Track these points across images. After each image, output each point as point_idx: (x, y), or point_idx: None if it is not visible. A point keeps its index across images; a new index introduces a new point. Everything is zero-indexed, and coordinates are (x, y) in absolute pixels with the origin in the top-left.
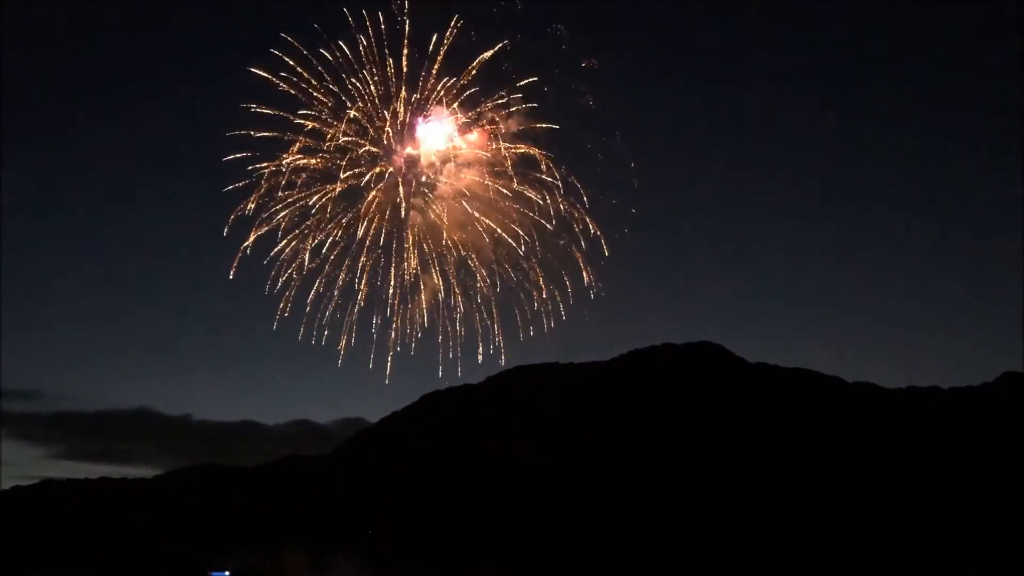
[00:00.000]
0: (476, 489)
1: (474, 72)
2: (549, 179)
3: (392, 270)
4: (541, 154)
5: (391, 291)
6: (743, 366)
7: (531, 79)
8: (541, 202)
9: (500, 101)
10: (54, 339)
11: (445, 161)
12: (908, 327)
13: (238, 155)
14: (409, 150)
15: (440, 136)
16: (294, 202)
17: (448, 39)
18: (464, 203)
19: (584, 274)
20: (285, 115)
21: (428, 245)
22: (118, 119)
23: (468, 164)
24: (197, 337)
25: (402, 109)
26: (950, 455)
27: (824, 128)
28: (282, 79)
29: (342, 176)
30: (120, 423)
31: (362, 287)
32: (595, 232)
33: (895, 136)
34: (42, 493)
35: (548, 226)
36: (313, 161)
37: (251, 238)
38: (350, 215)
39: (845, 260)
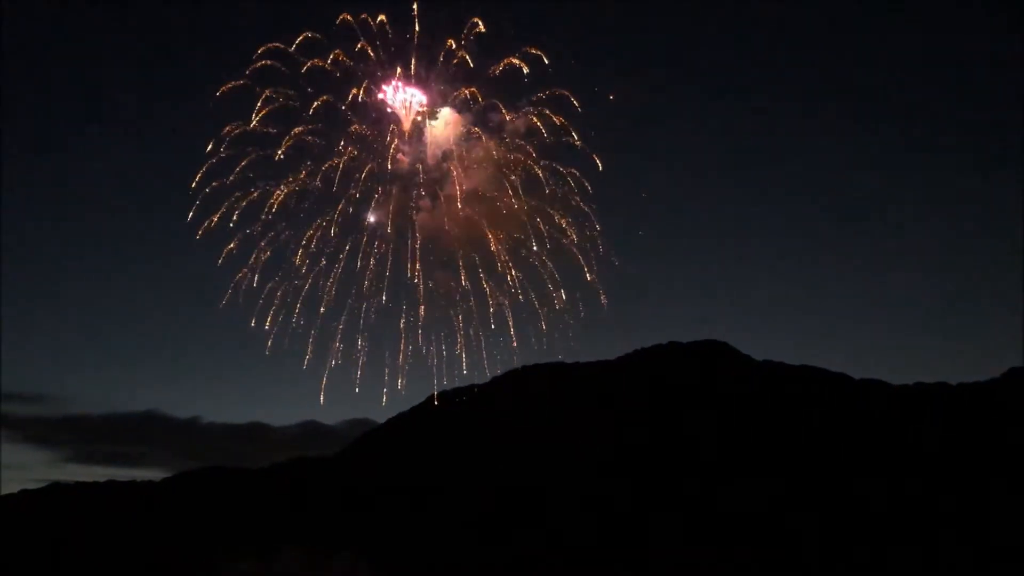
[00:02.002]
0: (482, 488)
1: (483, 76)
2: (555, 186)
3: (402, 276)
4: (546, 166)
5: (401, 296)
6: (749, 364)
7: (546, 91)
8: (548, 207)
9: (510, 108)
10: (62, 342)
11: (451, 165)
12: (915, 323)
13: (244, 174)
14: (412, 156)
15: (447, 140)
16: (298, 220)
17: (460, 46)
18: (470, 207)
19: (588, 275)
20: (276, 132)
21: (434, 249)
22: (127, 119)
23: (475, 167)
24: (205, 340)
25: (407, 112)
26: (958, 451)
27: (830, 128)
28: (279, 94)
29: (354, 192)
30: (129, 426)
31: (372, 300)
32: (602, 248)
33: (898, 132)
34: (51, 496)
35: (554, 231)
36: (315, 182)
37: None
38: (354, 234)
39: (851, 257)
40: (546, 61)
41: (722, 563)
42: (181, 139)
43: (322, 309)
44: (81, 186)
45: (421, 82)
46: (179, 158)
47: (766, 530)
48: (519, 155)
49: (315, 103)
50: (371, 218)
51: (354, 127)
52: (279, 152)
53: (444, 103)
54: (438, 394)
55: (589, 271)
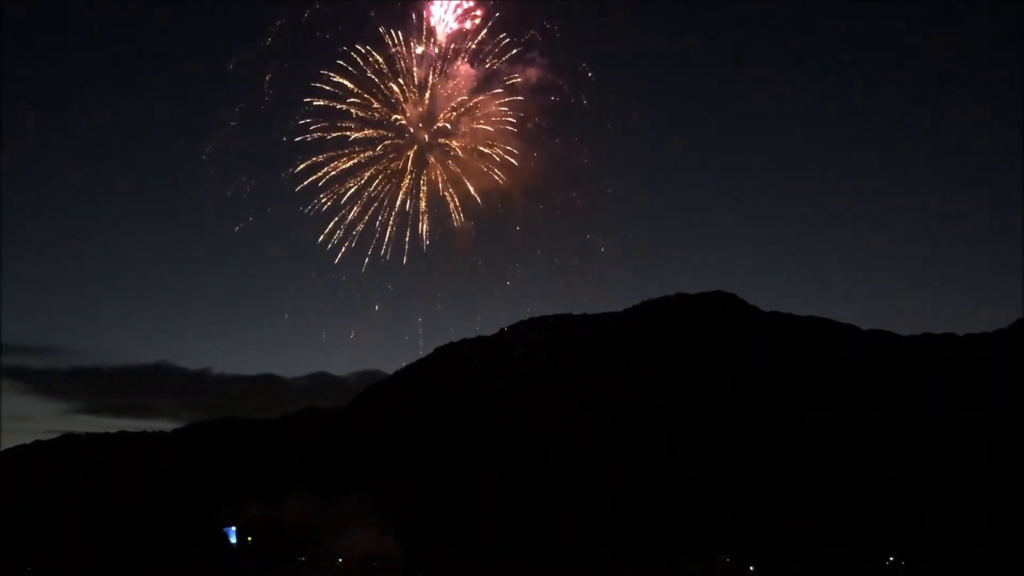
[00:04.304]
0: (488, 437)
1: (492, 32)
2: (564, 131)
3: (416, 230)
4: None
5: (414, 250)
6: (757, 315)
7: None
8: (556, 153)
9: (515, 53)
10: (73, 295)
11: (462, 115)
12: (922, 274)
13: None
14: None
15: (459, 91)
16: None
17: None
18: (478, 156)
19: (592, 234)
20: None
21: (446, 202)
22: (145, 71)
23: (486, 117)
24: (217, 291)
25: (420, 67)
26: (965, 400)
27: (837, 81)
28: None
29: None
30: (140, 377)
31: (387, 246)
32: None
33: (904, 81)
34: (63, 447)
35: (563, 185)
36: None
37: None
38: (371, 173)
39: (858, 208)
40: (558, 35)
41: (721, 507)
42: (197, 98)
43: (341, 252)
44: (91, 142)
45: (433, 38)
46: (192, 118)
47: (770, 479)
48: (529, 108)
49: (328, 75)
50: (384, 175)
51: (365, 91)
52: (295, 118)
53: (457, 58)
54: (446, 346)
55: (596, 222)
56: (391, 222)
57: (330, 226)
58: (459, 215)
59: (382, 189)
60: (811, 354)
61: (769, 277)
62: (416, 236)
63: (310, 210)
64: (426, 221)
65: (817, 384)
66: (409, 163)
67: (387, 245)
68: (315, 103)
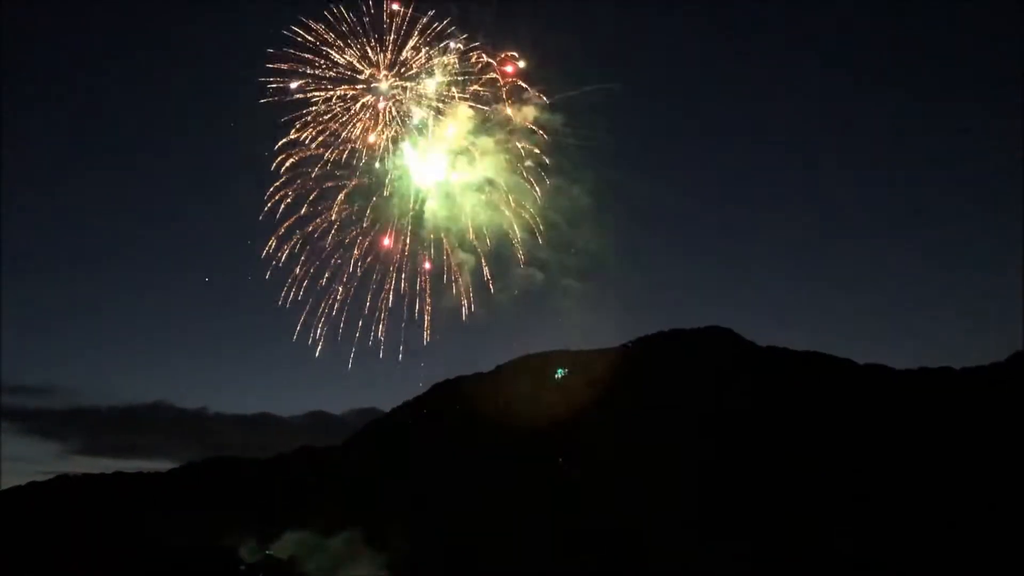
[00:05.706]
0: (484, 473)
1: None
2: (555, 171)
3: (412, 266)
4: (541, 147)
5: (411, 288)
6: (753, 350)
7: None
8: (546, 193)
9: (517, 102)
10: (70, 335)
11: (458, 155)
12: (918, 308)
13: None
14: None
15: (454, 134)
16: (312, 201)
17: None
18: (474, 197)
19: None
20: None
21: (443, 240)
22: (145, 103)
23: (482, 156)
24: (213, 331)
25: (417, 105)
26: (963, 436)
27: (832, 111)
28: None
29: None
30: (136, 417)
31: (389, 286)
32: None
33: (902, 118)
34: (58, 488)
35: (557, 219)
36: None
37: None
38: (364, 223)
39: (855, 242)
40: (554, 81)
41: (724, 548)
42: (195, 126)
43: (332, 298)
44: (90, 182)
45: (431, 78)
46: (191, 154)
47: (770, 516)
48: (525, 149)
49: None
50: (377, 227)
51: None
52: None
53: (455, 100)
54: (442, 383)
55: (592, 260)
56: (389, 274)
57: (307, 314)
58: (458, 266)
59: (377, 244)
60: (807, 389)
61: (766, 311)
62: (415, 289)
63: (281, 301)
64: (427, 274)
65: (815, 420)
66: (410, 205)
67: (386, 294)
68: (304, 154)
